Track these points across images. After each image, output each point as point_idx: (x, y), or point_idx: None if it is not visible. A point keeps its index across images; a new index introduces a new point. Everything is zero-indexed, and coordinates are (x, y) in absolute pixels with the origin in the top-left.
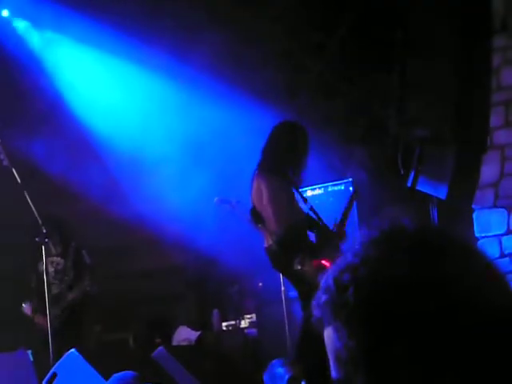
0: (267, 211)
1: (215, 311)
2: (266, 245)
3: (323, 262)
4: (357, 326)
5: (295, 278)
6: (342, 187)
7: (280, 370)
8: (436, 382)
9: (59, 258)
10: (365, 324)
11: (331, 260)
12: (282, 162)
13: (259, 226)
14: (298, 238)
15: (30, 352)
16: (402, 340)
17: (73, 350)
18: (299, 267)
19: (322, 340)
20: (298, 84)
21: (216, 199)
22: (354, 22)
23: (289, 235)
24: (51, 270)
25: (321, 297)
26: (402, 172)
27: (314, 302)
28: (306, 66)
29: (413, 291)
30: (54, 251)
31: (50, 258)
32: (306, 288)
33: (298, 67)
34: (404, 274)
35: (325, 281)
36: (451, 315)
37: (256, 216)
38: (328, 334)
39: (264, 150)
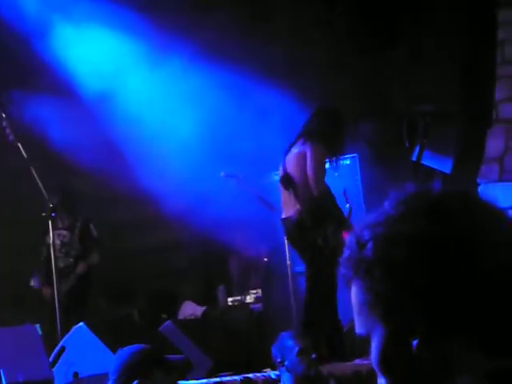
0: (304, 176)
1: (221, 287)
2: (284, 215)
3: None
4: (374, 281)
5: (310, 252)
6: (348, 161)
7: (289, 343)
8: (450, 335)
9: (66, 231)
10: (382, 279)
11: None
12: (329, 136)
13: (290, 191)
14: (333, 206)
15: (38, 326)
16: (416, 294)
17: (81, 323)
18: (322, 242)
19: (327, 314)
20: (304, 60)
21: (222, 173)
22: None
23: (324, 200)
24: (58, 242)
25: (344, 253)
26: (408, 146)
27: (340, 259)
28: (312, 42)
29: (427, 247)
30: (61, 224)
31: (57, 231)
32: (317, 263)
33: (304, 43)
34: (420, 231)
35: (349, 238)
36: (466, 269)
37: (288, 181)
38: (352, 288)
39: (311, 122)
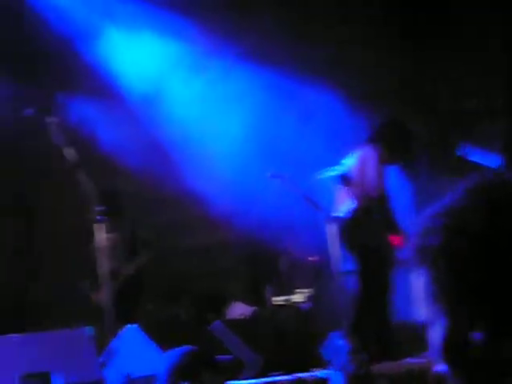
0: (364, 177)
1: (268, 286)
2: (337, 214)
3: (396, 239)
4: (439, 271)
5: (361, 251)
6: None
7: (340, 343)
8: (506, 333)
9: (114, 234)
10: (445, 270)
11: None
12: (393, 144)
13: (348, 190)
14: (387, 208)
15: (89, 328)
16: (473, 289)
17: (132, 324)
18: (373, 241)
19: (376, 313)
20: (347, 60)
21: (268, 174)
22: None
23: (381, 202)
24: (105, 245)
25: (412, 241)
26: (454, 143)
27: (407, 247)
28: (356, 41)
29: (490, 239)
30: (108, 227)
31: (105, 235)
32: (368, 262)
33: (347, 43)
34: (478, 226)
35: (416, 227)
36: None
37: (347, 179)
38: (418, 276)
39: (378, 129)
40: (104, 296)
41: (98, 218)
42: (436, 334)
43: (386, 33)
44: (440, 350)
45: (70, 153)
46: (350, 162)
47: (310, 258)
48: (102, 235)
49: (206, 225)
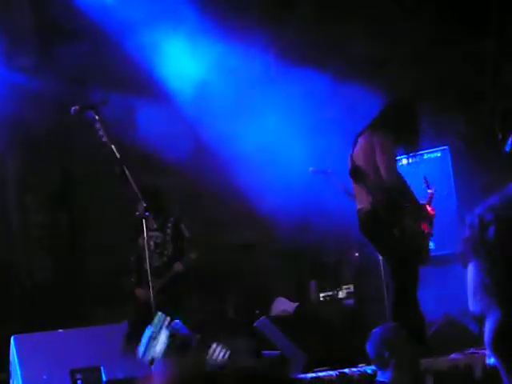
0: (374, 167)
1: (312, 282)
2: (359, 206)
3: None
4: (494, 264)
5: (387, 244)
6: (439, 154)
7: (387, 337)
8: None
9: (158, 232)
10: (501, 262)
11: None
12: (399, 126)
13: (360, 183)
14: (407, 195)
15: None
16: None
17: (175, 321)
18: (398, 232)
19: (415, 306)
20: (389, 55)
21: (311, 169)
22: None
23: (398, 190)
24: (151, 244)
25: (465, 232)
26: (500, 137)
27: (460, 237)
28: (397, 36)
29: None
30: (153, 225)
31: (150, 233)
32: (397, 254)
33: (387, 37)
34: None
35: (470, 218)
36: None
37: (358, 174)
38: (469, 268)
39: (381, 113)
40: (147, 292)
41: (145, 215)
42: (488, 327)
43: (430, 24)
44: (491, 342)
45: (114, 149)
46: (356, 154)
47: (354, 254)
48: (147, 232)
49: (250, 221)
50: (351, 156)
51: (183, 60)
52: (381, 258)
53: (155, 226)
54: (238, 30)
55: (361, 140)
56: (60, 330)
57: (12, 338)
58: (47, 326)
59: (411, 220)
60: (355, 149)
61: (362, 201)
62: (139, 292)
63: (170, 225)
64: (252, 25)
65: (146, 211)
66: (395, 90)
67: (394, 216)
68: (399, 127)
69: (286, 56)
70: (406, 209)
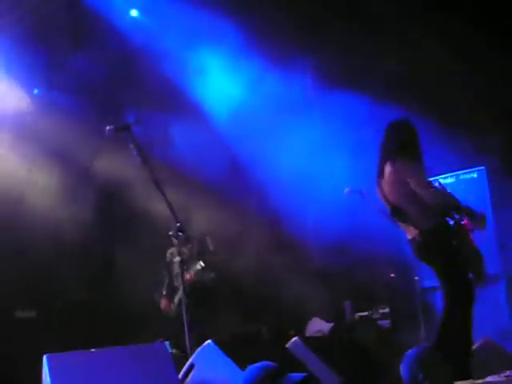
0: (407, 197)
1: (347, 302)
2: (409, 236)
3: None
4: None
5: (444, 267)
6: (475, 175)
7: (425, 359)
8: None
9: (185, 248)
10: None
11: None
12: (409, 147)
13: (402, 222)
14: (458, 205)
15: (167, 343)
16: None
17: (209, 341)
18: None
19: (467, 328)
20: (421, 72)
21: (346, 190)
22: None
23: (447, 204)
24: (178, 259)
25: None
26: None
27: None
28: (431, 54)
29: None
30: (181, 241)
31: (178, 248)
32: (452, 277)
33: (421, 56)
34: None
35: None
36: None
37: (397, 213)
38: None
39: (388, 138)
40: (174, 307)
41: (178, 233)
42: None
43: (463, 42)
44: None
45: (148, 168)
46: (386, 189)
47: (389, 274)
48: (176, 249)
49: (284, 239)
50: (381, 189)
51: (221, 80)
52: (416, 278)
53: (183, 242)
54: (276, 52)
55: (385, 170)
56: (93, 350)
57: (45, 357)
58: (80, 344)
59: (463, 239)
60: (382, 183)
61: (411, 231)
62: (165, 304)
63: (196, 240)
64: (290, 48)
65: (180, 231)
66: (431, 109)
67: (445, 240)
68: (408, 147)
69: (324, 78)
70: (455, 230)
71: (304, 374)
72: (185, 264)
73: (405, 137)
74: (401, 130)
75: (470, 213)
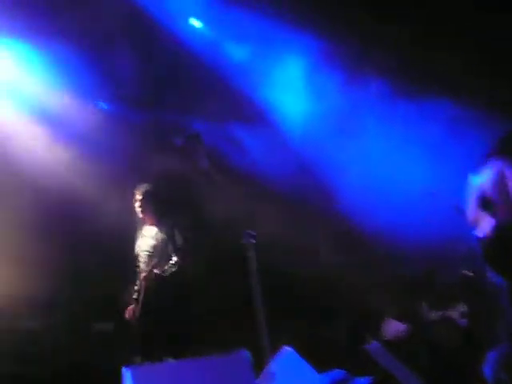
0: (505, 195)
1: (423, 303)
2: (480, 235)
3: None
4: None
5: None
6: None
7: (498, 359)
8: None
9: None
10: None
11: None
12: None
13: (489, 212)
14: None
15: (247, 352)
16: None
17: (286, 346)
18: None
19: None
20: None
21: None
22: None
23: None
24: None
25: None
26: None
27: None
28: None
29: None
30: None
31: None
32: None
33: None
34: None
35: None
36: None
37: (486, 202)
38: None
39: (505, 140)
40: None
41: (250, 241)
42: None
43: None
44: None
45: (216, 177)
46: (482, 180)
47: (465, 273)
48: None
49: (360, 241)
50: (479, 182)
51: (294, 87)
52: (492, 277)
53: None
54: (350, 59)
55: (487, 168)
56: (169, 362)
57: (123, 369)
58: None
59: None
60: (483, 176)
61: (484, 229)
62: None
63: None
64: (367, 53)
65: (252, 237)
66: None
67: None
68: None
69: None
70: None
71: (368, 379)
72: None
73: None
74: None
75: None
